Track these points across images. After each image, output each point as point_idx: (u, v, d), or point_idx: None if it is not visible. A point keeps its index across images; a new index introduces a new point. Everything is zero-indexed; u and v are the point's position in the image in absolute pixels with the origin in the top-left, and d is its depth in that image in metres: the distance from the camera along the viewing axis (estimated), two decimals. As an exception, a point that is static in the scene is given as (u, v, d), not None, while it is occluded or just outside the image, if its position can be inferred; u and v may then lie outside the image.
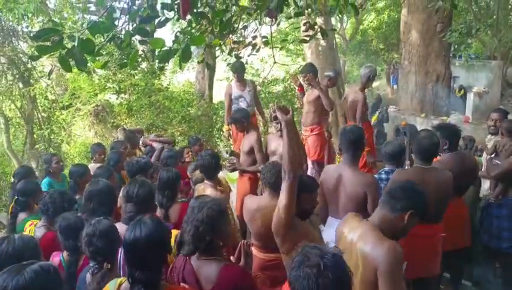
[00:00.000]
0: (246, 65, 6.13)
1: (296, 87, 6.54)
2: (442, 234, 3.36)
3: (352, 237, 2.31)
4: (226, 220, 2.33)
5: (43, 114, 11.16)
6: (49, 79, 10.65)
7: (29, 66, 10.56)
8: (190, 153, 5.64)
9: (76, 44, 1.89)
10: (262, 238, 3.14)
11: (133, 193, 2.97)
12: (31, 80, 10.73)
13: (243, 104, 6.23)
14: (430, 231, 3.31)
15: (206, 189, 3.77)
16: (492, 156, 4.18)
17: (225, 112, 6.57)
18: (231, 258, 2.55)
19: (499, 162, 4.05)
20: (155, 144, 5.46)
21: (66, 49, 1.94)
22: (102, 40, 2.24)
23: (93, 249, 2.35)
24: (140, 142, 5.71)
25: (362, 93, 5.58)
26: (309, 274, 1.56)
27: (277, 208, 2.57)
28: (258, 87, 9.79)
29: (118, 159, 4.81)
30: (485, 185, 4.45)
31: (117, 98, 11.29)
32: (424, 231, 3.23)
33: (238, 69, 6.18)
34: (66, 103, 10.88)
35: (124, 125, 9.25)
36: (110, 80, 10.92)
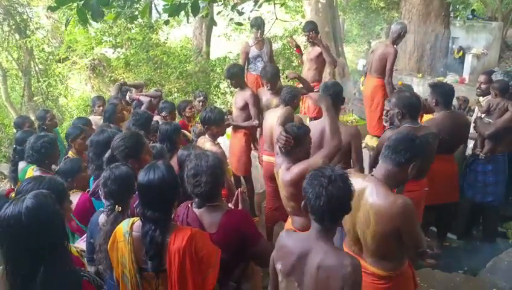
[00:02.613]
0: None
1: (294, 48, 6.51)
2: (426, 189, 3.54)
3: (358, 193, 2.36)
4: (225, 169, 2.47)
5: (40, 66, 11.08)
6: (65, 30, 10.41)
7: (25, 17, 10.39)
8: (192, 108, 5.67)
9: (93, -4, 1.94)
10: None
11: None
12: (27, 31, 10.58)
13: (259, 65, 6.02)
14: (415, 186, 3.46)
15: (205, 143, 3.84)
16: (483, 115, 4.32)
17: None
18: (229, 205, 2.65)
19: (491, 121, 4.20)
20: (142, 98, 5.43)
21: (83, 1, 2.00)
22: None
23: (107, 190, 2.50)
24: (127, 97, 5.65)
25: (394, 48, 5.42)
26: (322, 182, 1.90)
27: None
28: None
29: (113, 109, 4.82)
30: (470, 144, 4.58)
31: (114, 52, 11.20)
32: (410, 187, 3.38)
33: (262, 25, 5.90)
34: (62, 56, 10.80)
35: (122, 80, 9.26)
36: (107, 34, 10.80)
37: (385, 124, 4.02)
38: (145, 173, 2.16)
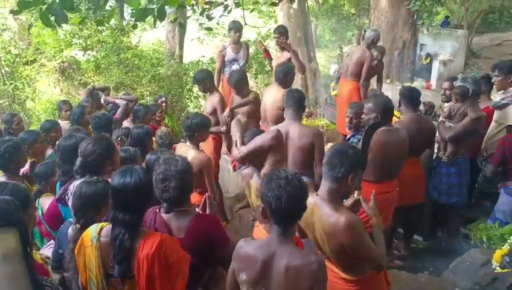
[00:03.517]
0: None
1: (263, 53, 6.56)
2: (397, 189, 3.67)
3: (310, 212, 2.33)
4: (192, 173, 2.47)
5: (6, 69, 10.77)
6: (29, 34, 10.15)
7: (-10, 18, 10.10)
8: (162, 112, 5.65)
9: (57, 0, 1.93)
10: None
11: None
12: (-8, 33, 10.29)
13: (234, 68, 6.01)
14: (390, 187, 3.63)
15: (188, 151, 3.70)
16: (445, 119, 4.48)
17: (215, 74, 6.17)
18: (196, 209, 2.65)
19: (452, 125, 4.34)
20: (118, 101, 5.37)
21: (46, 5, 1.97)
22: (80, -4, 2.25)
23: (72, 204, 2.47)
24: (102, 100, 5.58)
25: (370, 53, 5.76)
26: (279, 183, 1.93)
27: None
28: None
29: (81, 112, 4.76)
30: (436, 148, 4.72)
31: (84, 55, 11.00)
32: (386, 188, 3.58)
33: (240, 28, 5.85)
34: (30, 58, 10.53)
35: (92, 84, 9.11)
36: (76, 36, 10.61)
37: (348, 131, 4.11)
38: (121, 175, 2.15)
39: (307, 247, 2.61)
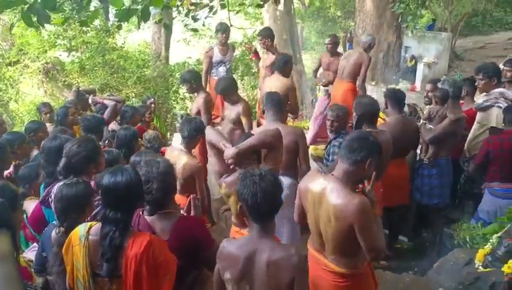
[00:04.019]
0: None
1: (252, 54, 6.58)
2: (381, 190, 3.69)
3: (321, 191, 2.47)
4: (174, 175, 2.48)
5: (-12, 70, 10.58)
6: (12, 34, 9.99)
7: (-29, 17, 9.92)
8: (151, 113, 5.61)
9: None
10: None
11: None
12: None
13: (221, 70, 6.05)
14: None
15: (181, 156, 3.65)
16: (425, 121, 4.53)
17: (203, 75, 6.12)
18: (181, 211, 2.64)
19: (432, 127, 4.40)
20: (106, 101, 5.33)
21: (28, 5, 1.95)
22: (63, -4, 2.23)
23: (54, 207, 2.46)
24: (90, 100, 5.51)
25: (368, 56, 5.98)
26: (253, 180, 2.00)
27: None
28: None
29: (64, 113, 4.70)
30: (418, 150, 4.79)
31: (68, 56, 10.88)
32: None
33: (228, 30, 5.84)
34: (13, 59, 10.37)
35: (77, 85, 9.01)
36: (61, 37, 10.48)
37: (330, 134, 4.15)
38: (112, 175, 2.15)
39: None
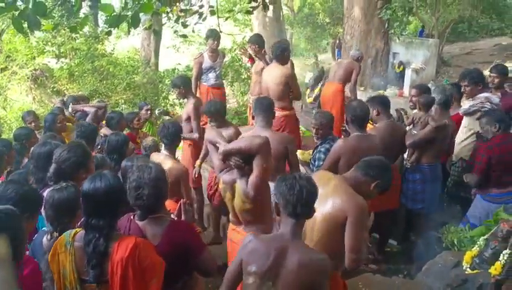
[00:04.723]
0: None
1: (247, 59, 6.62)
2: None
3: (326, 188, 2.57)
4: (166, 180, 2.46)
5: (-25, 77, 10.49)
6: (1, 40, 9.94)
7: (-42, 24, 9.84)
8: (140, 119, 5.58)
9: (30, 5, 1.91)
10: None
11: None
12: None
13: (211, 76, 6.09)
14: None
15: (165, 160, 3.64)
16: (411, 127, 4.57)
17: (193, 81, 6.01)
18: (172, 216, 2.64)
19: (415, 132, 4.40)
20: (87, 108, 5.29)
21: (18, 11, 1.95)
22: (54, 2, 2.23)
23: (46, 214, 2.45)
24: (70, 108, 5.43)
25: (358, 64, 6.71)
26: (292, 177, 2.12)
27: None
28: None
29: (52, 119, 4.69)
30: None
31: (57, 62, 10.84)
32: None
33: (218, 36, 5.86)
34: (1, 66, 10.30)
35: (66, 92, 8.96)
36: (49, 43, 10.44)
37: (316, 141, 4.17)
38: (91, 181, 2.15)
39: None
